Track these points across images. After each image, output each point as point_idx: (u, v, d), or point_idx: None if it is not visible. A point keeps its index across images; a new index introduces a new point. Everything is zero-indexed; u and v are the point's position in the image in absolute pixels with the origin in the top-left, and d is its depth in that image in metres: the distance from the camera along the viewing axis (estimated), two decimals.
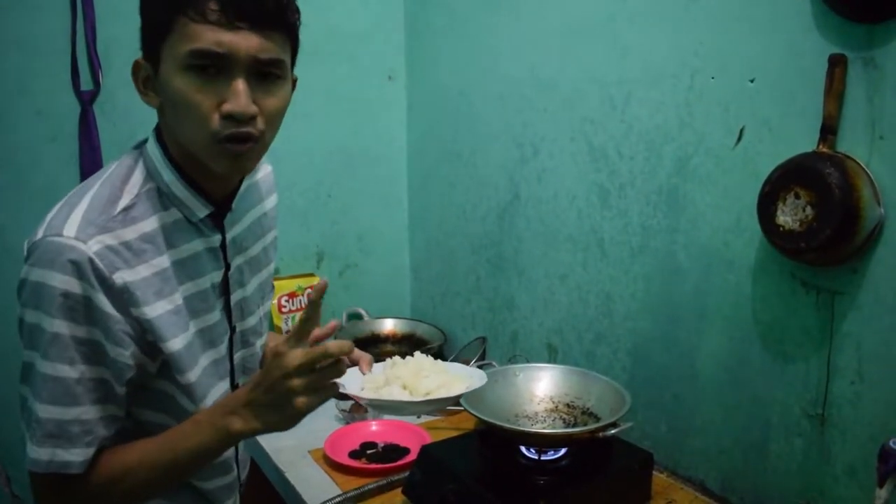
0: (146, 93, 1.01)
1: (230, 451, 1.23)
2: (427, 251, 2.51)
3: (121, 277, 0.97)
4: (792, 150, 1.27)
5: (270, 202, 1.31)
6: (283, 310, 2.26)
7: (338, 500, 1.45)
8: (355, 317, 2.48)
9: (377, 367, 1.22)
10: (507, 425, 1.41)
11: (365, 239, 2.53)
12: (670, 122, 1.53)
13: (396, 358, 1.26)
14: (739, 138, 1.40)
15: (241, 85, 0.94)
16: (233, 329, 1.20)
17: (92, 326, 0.95)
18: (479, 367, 1.88)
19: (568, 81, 1.80)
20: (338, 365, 1.00)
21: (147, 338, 1.01)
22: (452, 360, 2.07)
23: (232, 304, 1.19)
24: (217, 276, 1.14)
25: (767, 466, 1.41)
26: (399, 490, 1.49)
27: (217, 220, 1.13)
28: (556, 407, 1.55)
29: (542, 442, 1.41)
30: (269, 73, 0.99)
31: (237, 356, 1.22)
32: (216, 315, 1.15)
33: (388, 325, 2.45)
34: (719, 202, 1.45)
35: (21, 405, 0.98)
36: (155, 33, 0.96)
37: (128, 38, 2.00)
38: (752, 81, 1.36)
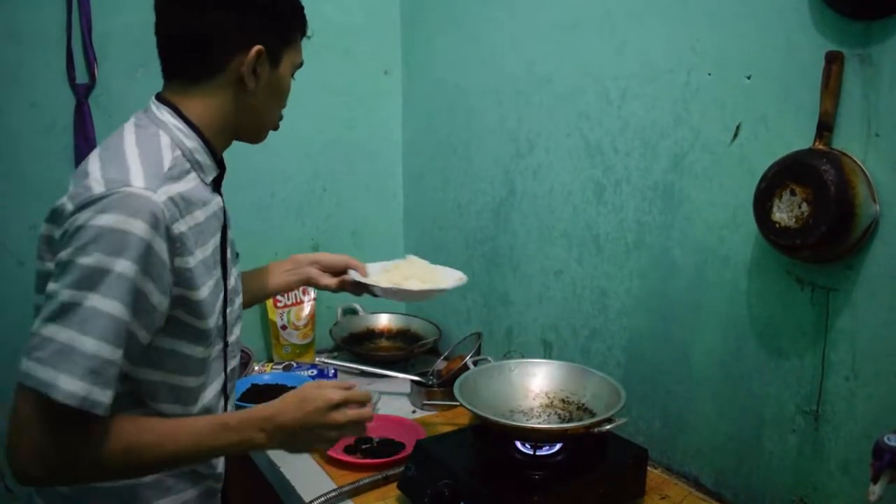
0: (251, 76, 1.15)
1: None
2: (422, 245, 2.51)
3: (177, 228, 1.05)
4: (788, 146, 1.27)
5: None
6: (279, 304, 2.26)
7: (332, 494, 1.45)
8: (350, 312, 2.48)
9: (372, 267, 1.63)
10: (502, 420, 1.41)
11: (360, 233, 2.53)
12: (666, 117, 1.53)
13: (395, 261, 1.69)
14: (736, 135, 1.40)
15: None
16: (225, 287, 1.24)
17: (147, 275, 1.00)
18: (475, 362, 1.89)
19: (564, 76, 1.79)
20: (367, 407, 1.19)
21: (174, 291, 1.07)
22: (447, 356, 2.08)
23: (228, 263, 1.26)
24: (218, 236, 1.22)
25: (761, 462, 1.41)
26: (394, 485, 1.49)
27: (216, 184, 1.24)
28: (552, 402, 1.55)
29: (537, 437, 1.41)
30: None
31: (227, 312, 1.27)
32: (218, 272, 1.21)
33: (384, 321, 2.45)
34: (715, 198, 1.45)
35: (37, 345, 0.96)
36: (283, 41, 1.19)
37: (123, 32, 2.03)
38: (748, 78, 1.36)
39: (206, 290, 1.13)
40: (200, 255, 1.12)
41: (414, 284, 1.59)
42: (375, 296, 1.61)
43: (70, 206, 1.01)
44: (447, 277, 1.67)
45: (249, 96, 1.18)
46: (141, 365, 1.09)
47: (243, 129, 1.23)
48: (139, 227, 0.98)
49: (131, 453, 1.04)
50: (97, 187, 1.00)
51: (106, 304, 0.97)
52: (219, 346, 1.22)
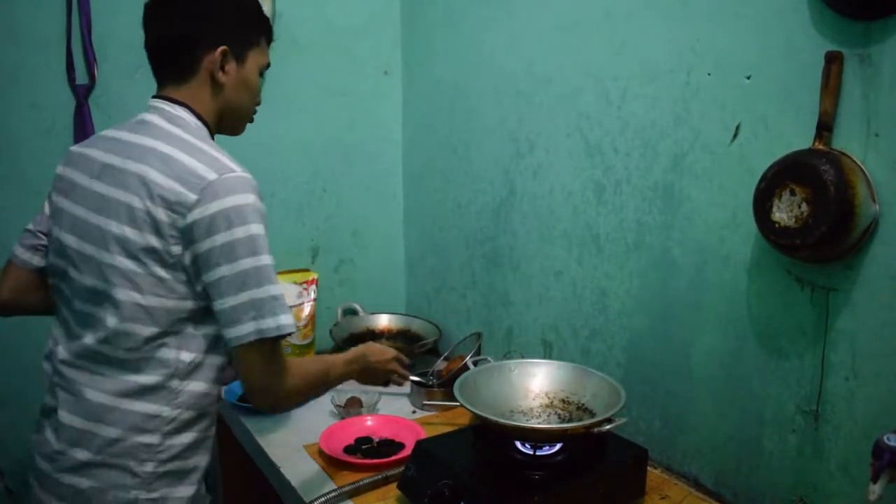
0: (219, 72, 1.33)
1: None
2: (422, 246, 2.51)
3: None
4: (788, 146, 1.27)
5: None
6: None
7: (332, 495, 1.45)
8: (350, 312, 2.48)
9: None
10: (502, 420, 1.41)
11: (360, 234, 2.53)
12: (666, 118, 1.53)
13: None
14: (735, 135, 1.40)
15: None
16: None
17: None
18: (475, 362, 1.90)
19: (564, 77, 1.79)
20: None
21: None
22: (448, 356, 2.08)
23: None
24: None
25: (761, 462, 1.41)
26: (394, 485, 1.49)
27: None
28: (552, 402, 1.55)
29: (537, 437, 1.41)
30: None
31: None
32: None
33: (384, 321, 2.45)
34: (715, 199, 1.45)
35: (241, 308, 1.22)
36: (247, 43, 1.37)
37: (123, 32, 2.04)
38: (748, 78, 1.36)
39: None
40: None
41: None
42: None
43: (193, 196, 1.20)
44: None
45: (224, 90, 1.36)
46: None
47: (224, 121, 1.40)
48: (252, 199, 1.23)
49: (308, 375, 1.41)
50: (208, 175, 1.21)
51: (265, 259, 1.23)
52: None
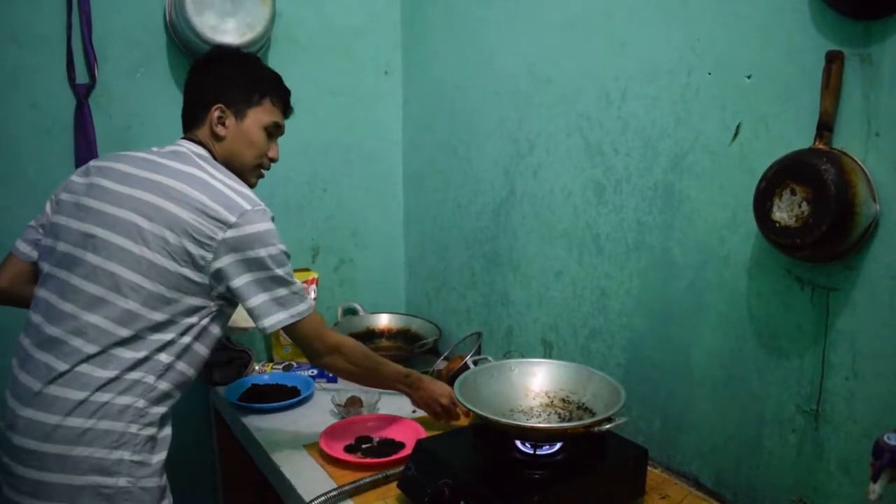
0: (218, 126, 1.56)
1: None
2: (422, 246, 2.51)
3: None
4: (788, 146, 1.27)
5: None
6: None
7: (333, 494, 1.45)
8: (351, 312, 2.48)
9: None
10: (502, 420, 1.41)
11: (360, 234, 2.53)
12: (666, 118, 1.53)
13: None
14: (736, 134, 1.40)
15: (276, 145, 1.67)
16: None
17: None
18: (475, 362, 1.90)
19: (564, 77, 1.80)
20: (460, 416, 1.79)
21: None
22: (448, 355, 2.08)
23: None
24: None
25: (761, 462, 1.41)
26: (394, 484, 1.49)
27: None
28: (552, 402, 1.55)
29: (538, 436, 1.41)
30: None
31: None
32: None
33: (384, 321, 2.45)
34: (715, 198, 1.45)
35: (273, 307, 1.48)
36: (246, 102, 1.58)
37: (123, 32, 2.03)
38: (748, 78, 1.36)
39: None
40: None
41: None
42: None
43: (233, 217, 1.42)
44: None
45: (224, 142, 1.58)
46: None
47: (231, 169, 1.56)
48: (272, 225, 1.48)
49: (343, 351, 1.61)
50: (244, 206, 1.44)
51: (288, 268, 1.50)
52: None
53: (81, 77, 1.98)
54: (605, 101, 1.68)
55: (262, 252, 1.45)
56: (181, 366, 1.44)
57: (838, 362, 1.26)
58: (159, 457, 1.43)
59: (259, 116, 1.60)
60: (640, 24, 1.58)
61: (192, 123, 1.60)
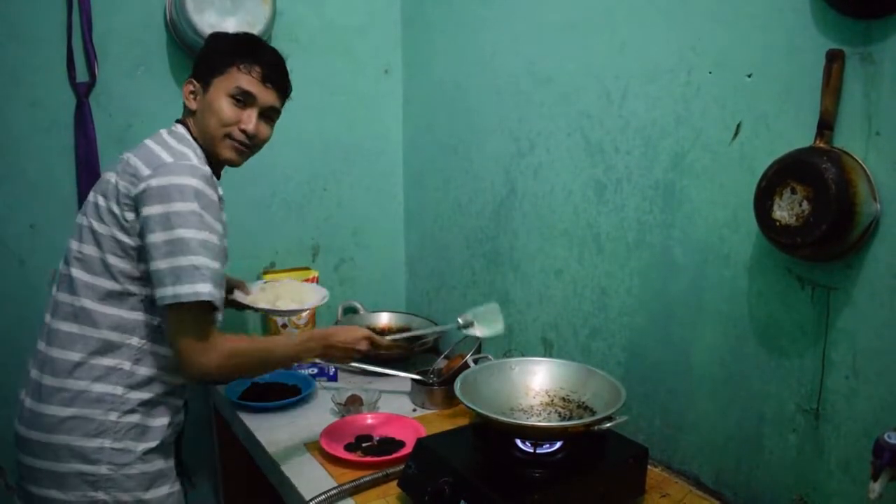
0: (190, 100, 1.54)
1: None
2: (422, 245, 2.51)
3: (219, 190, 1.50)
4: (789, 145, 1.27)
5: None
6: None
7: (333, 492, 1.45)
8: (351, 311, 2.48)
9: (253, 286, 1.88)
10: (502, 418, 1.41)
11: (360, 233, 2.53)
12: (667, 117, 1.53)
13: (271, 281, 1.94)
14: (736, 133, 1.40)
15: (254, 115, 1.54)
16: None
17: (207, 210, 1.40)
18: (475, 361, 1.90)
19: (565, 76, 1.80)
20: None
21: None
22: (448, 354, 2.08)
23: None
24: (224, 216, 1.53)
25: (761, 461, 1.41)
26: (394, 483, 1.49)
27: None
28: (552, 400, 1.55)
29: (538, 435, 1.41)
30: (269, 116, 1.58)
31: None
32: (226, 242, 1.52)
33: (384, 319, 2.45)
34: (715, 197, 1.45)
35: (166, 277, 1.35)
36: (210, 72, 1.52)
37: (124, 30, 2.03)
38: (749, 77, 1.37)
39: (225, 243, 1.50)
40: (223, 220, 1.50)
41: (284, 304, 1.81)
42: (256, 311, 1.84)
43: (147, 171, 1.37)
44: (313, 296, 1.88)
45: (195, 115, 1.54)
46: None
47: (205, 144, 1.53)
48: (196, 182, 1.37)
49: (238, 349, 1.44)
50: (168, 158, 1.39)
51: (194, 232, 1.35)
52: None
53: (81, 75, 1.98)
54: (605, 101, 1.68)
55: (168, 208, 1.34)
56: (159, 349, 1.44)
57: (839, 361, 1.26)
58: (147, 445, 1.43)
59: (223, 84, 1.52)
60: (641, 23, 1.58)
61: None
